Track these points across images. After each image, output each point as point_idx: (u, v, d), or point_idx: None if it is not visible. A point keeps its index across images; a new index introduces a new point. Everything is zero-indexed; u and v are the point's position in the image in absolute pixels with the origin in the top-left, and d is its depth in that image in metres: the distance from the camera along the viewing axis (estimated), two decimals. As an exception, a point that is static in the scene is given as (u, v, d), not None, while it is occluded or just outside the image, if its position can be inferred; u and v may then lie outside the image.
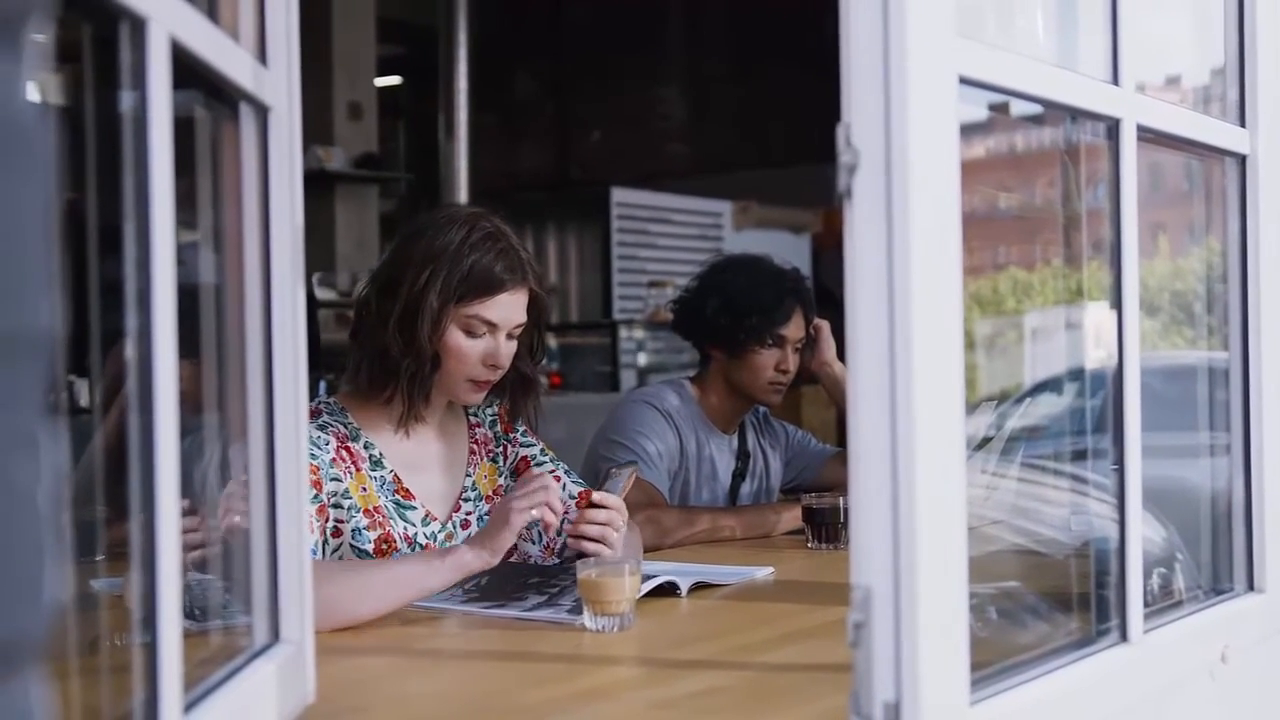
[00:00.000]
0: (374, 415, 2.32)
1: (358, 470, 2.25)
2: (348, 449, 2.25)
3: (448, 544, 2.31)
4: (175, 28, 1.07)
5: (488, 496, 2.43)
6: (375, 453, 2.30)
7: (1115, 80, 1.57)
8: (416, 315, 2.23)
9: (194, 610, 1.33)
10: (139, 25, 1.02)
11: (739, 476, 3.21)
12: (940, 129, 1.24)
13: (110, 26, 1.01)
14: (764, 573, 2.42)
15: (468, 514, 2.39)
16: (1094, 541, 1.74)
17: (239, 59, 1.30)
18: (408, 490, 2.31)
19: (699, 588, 2.25)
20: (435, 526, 2.32)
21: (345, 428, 2.28)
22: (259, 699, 1.31)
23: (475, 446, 2.45)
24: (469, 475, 2.42)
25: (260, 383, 1.39)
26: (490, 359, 2.28)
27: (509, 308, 2.29)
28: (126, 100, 1.04)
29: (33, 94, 0.65)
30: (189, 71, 1.14)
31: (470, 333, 2.26)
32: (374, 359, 2.28)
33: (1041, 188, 2.05)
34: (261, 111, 1.38)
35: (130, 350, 1.03)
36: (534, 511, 2.05)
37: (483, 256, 2.25)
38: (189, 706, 1.12)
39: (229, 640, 1.42)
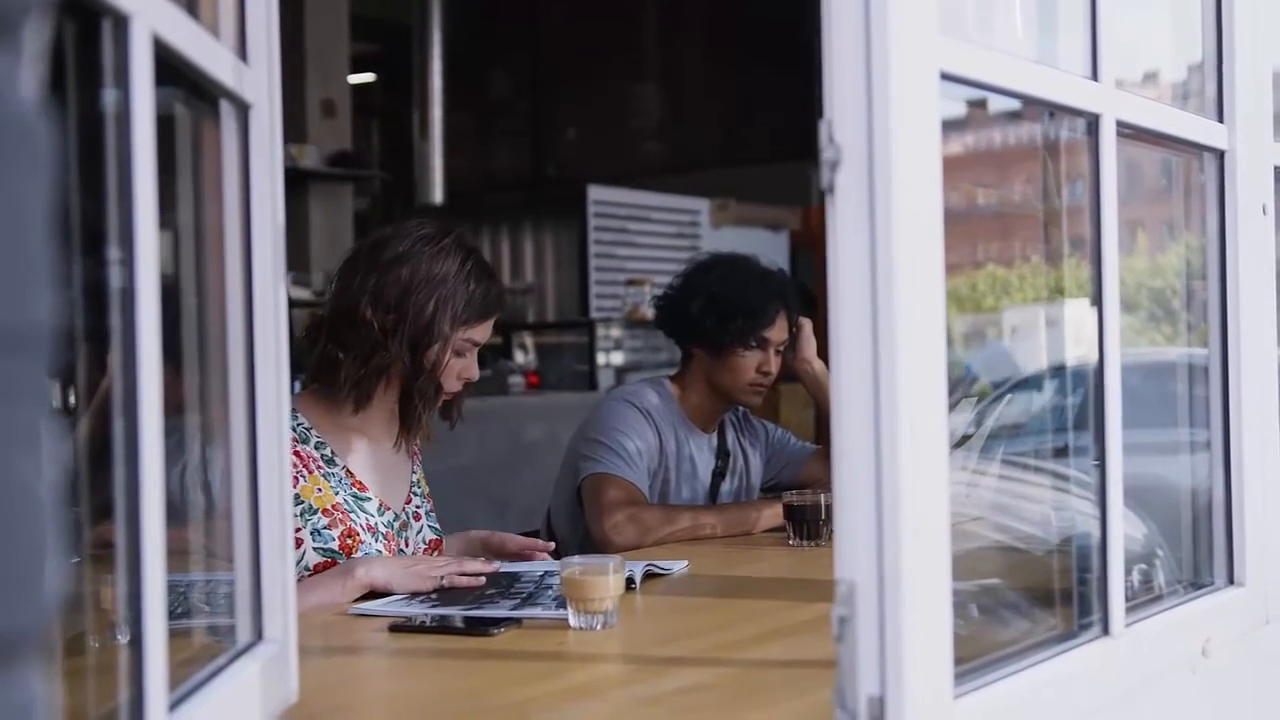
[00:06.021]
0: (329, 414, 2.40)
1: (310, 473, 2.33)
2: (297, 453, 2.31)
3: (404, 533, 2.45)
4: (158, 24, 1.06)
5: (426, 495, 2.57)
6: (327, 451, 2.37)
7: (1095, 76, 1.57)
8: (429, 341, 2.34)
9: (174, 609, 1.33)
10: (122, 22, 1.01)
11: (719, 475, 3.21)
12: (922, 125, 1.24)
13: (92, 23, 1.01)
14: (680, 566, 2.45)
15: (417, 507, 2.52)
16: (1075, 536, 1.75)
17: (220, 56, 1.29)
18: (361, 483, 2.40)
19: (648, 577, 2.30)
20: (390, 516, 2.42)
21: (294, 430, 2.33)
22: (242, 698, 1.30)
23: (415, 450, 2.57)
24: (414, 473, 2.55)
25: (242, 383, 1.38)
26: (466, 373, 2.42)
27: (491, 328, 2.45)
28: (108, 97, 1.04)
29: (32, 90, 0.64)
30: (169, 69, 1.14)
31: (458, 353, 2.39)
32: (373, 374, 2.34)
33: (1020, 184, 2.06)
34: (242, 109, 1.38)
35: (113, 350, 1.03)
36: (444, 581, 2.20)
37: (480, 285, 2.39)
38: (173, 705, 1.11)
39: (211, 639, 1.41)
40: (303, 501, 2.28)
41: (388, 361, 2.34)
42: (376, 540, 2.35)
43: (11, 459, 0.61)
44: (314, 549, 2.28)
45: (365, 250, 2.40)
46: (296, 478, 2.28)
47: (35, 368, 0.63)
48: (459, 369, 2.40)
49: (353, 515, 2.34)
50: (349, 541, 2.31)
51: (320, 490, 2.32)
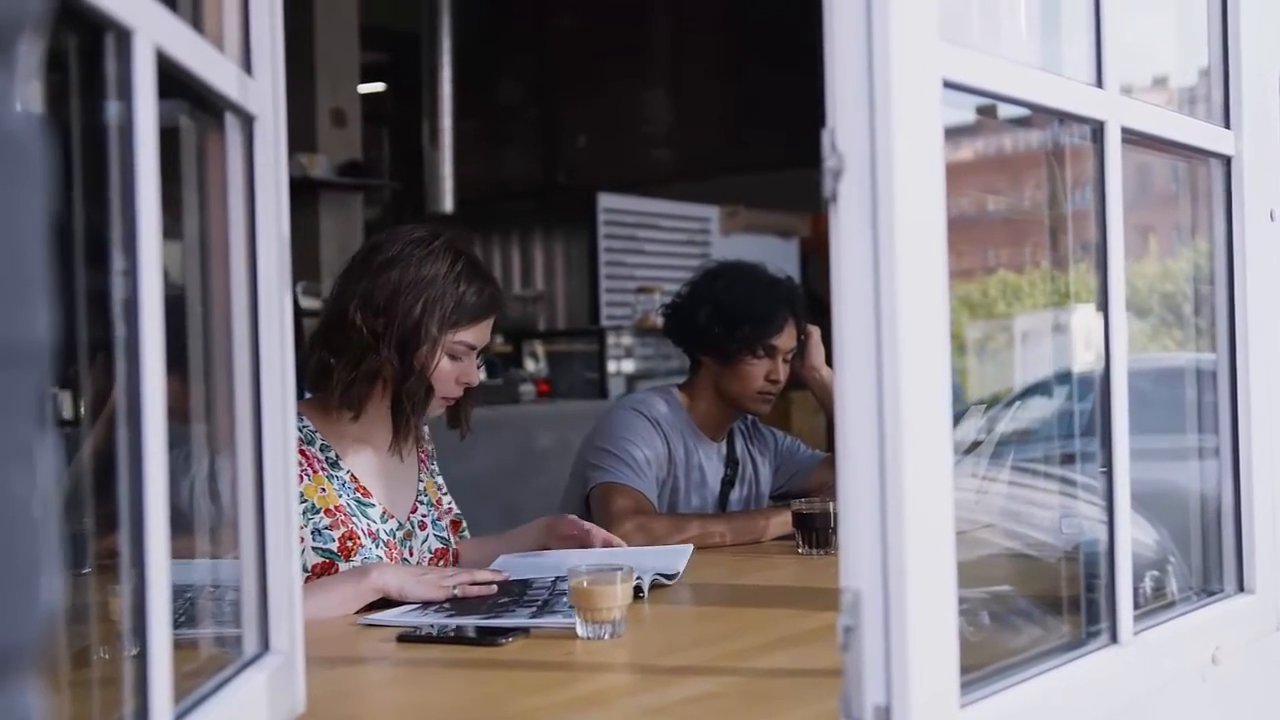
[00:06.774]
0: (333, 421, 2.39)
1: (315, 473, 2.33)
2: (302, 453, 2.32)
3: (408, 543, 2.44)
4: (161, 38, 1.07)
5: (434, 503, 2.55)
6: (332, 455, 2.38)
7: (1099, 83, 1.57)
8: (417, 343, 2.33)
9: (179, 617, 1.33)
10: (124, 36, 1.02)
11: (728, 483, 3.21)
12: (925, 133, 1.24)
13: (95, 37, 1.01)
14: (686, 551, 2.49)
15: (423, 516, 2.51)
16: (1084, 544, 1.74)
17: (224, 69, 1.29)
18: (365, 489, 2.39)
19: (656, 586, 2.30)
20: (393, 524, 2.42)
21: (300, 432, 2.33)
22: (249, 709, 1.30)
23: (423, 457, 2.57)
24: (421, 481, 2.54)
25: (248, 394, 1.39)
26: (465, 378, 2.41)
27: (488, 331, 2.43)
28: (112, 110, 1.04)
29: (27, 105, 0.65)
30: (173, 81, 1.14)
31: (453, 357, 2.38)
32: (363, 379, 2.34)
33: (1030, 190, 2.06)
34: (247, 121, 1.38)
35: (118, 362, 1.03)
36: (456, 590, 2.18)
37: (470, 286, 2.37)
38: (179, 716, 1.11)
39: (218, 650, 1.41)
40: (305, 500, 2.28)
41: (378, 365, 2.33)
42: (377, 546, 2.35)
43: (5, 473, 0.61)
44: (313, 548, 2.28)
45: (360, 256, 2.42)
46: (300, 476, 2.28)
47: (31, 382, 0.63)
48: (457, 373, 2.39)
49: (354, 519, 2.34)
50: (349, 544, 2.31)
51: (324, 490, 2.32)
